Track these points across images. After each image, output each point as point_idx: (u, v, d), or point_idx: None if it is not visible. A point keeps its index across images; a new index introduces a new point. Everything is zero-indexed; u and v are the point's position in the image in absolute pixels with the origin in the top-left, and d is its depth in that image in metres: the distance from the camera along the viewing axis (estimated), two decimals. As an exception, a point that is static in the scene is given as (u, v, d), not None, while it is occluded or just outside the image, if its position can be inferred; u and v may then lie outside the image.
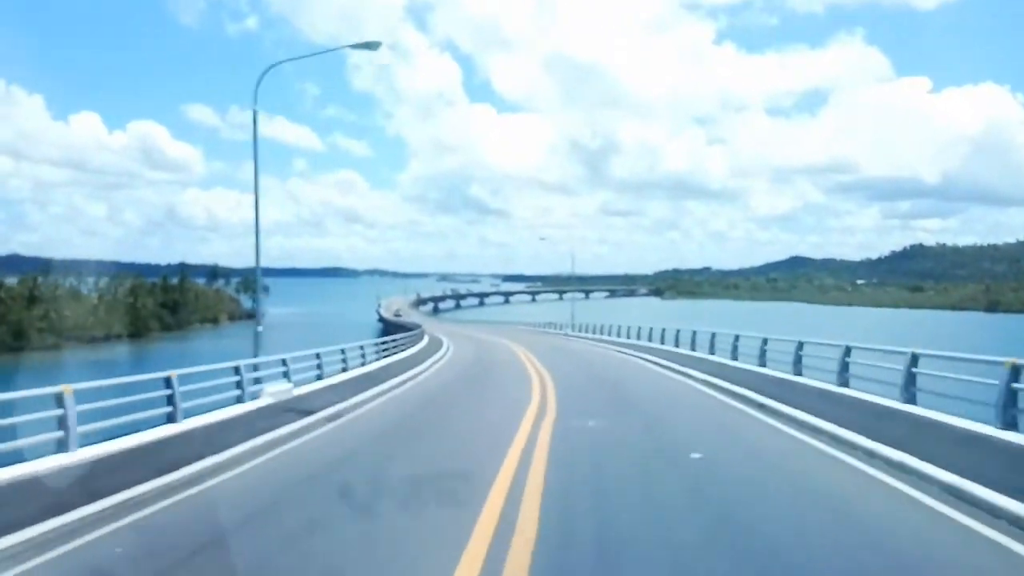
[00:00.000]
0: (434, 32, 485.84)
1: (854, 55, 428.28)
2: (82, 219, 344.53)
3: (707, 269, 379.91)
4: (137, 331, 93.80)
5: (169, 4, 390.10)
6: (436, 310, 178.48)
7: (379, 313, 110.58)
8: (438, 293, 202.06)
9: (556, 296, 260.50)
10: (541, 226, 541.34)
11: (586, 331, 56.59)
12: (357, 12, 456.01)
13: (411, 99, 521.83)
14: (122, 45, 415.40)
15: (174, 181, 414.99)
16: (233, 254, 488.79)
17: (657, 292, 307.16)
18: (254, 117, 19.13)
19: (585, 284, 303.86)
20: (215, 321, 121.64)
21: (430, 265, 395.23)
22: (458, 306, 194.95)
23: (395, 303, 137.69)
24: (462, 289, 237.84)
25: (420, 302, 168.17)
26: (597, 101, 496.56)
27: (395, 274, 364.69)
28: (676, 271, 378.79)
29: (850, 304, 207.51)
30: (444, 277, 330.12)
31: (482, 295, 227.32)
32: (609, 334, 48.78)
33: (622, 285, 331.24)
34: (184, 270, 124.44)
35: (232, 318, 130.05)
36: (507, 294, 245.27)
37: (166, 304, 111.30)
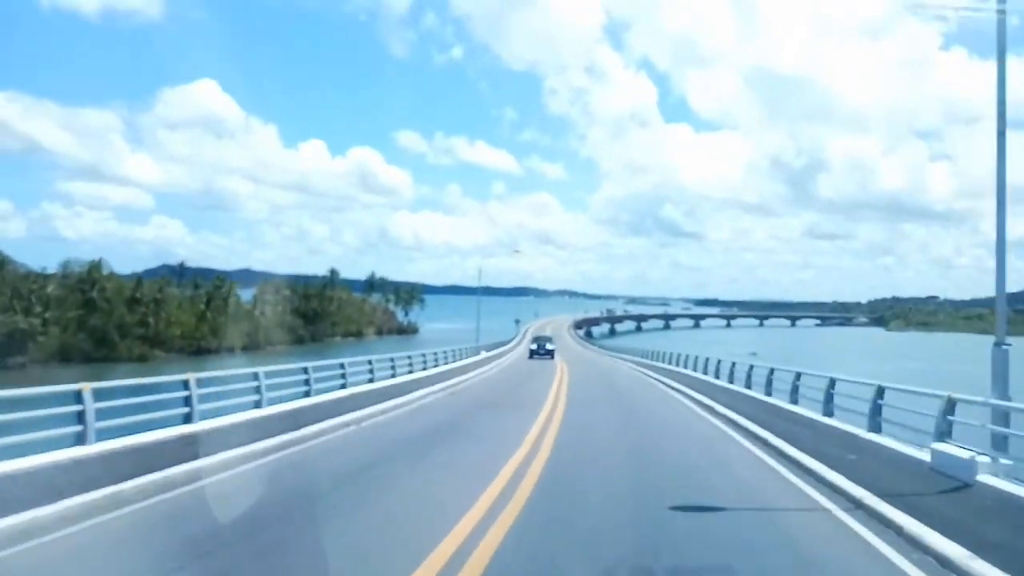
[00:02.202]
0: (630, 51, 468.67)
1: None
2: (308, 238, 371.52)
3: (933, 298, 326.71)
4: (255, 343, 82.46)
5: (383, 37, 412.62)
6: (613, 332, 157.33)
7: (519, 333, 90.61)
8: (619, 313, 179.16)
9: (756, 322, 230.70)
10: (738, 249, 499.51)
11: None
12: (555, 36, 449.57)
13: (605, 120, 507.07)
14: (343, 76, 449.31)
15: (386, 204, 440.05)
16: (437, 273, 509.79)
17: (879, 321, 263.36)
18: None
19: (790, 311, 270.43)
20: (359, 334, 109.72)
21: (620, 287, 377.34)
22: (639, 328, 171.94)
23: (552, 323, 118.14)
24: (648, 312, 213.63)
25: (590, 322, 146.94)
26: (802, 115, 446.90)
27: (584, 295, 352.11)
28: (896, 299, 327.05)
29: None
30: (633, 300, 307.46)
31: (668, 317, 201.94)
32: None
33: (833, 313, 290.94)
34: (333, 279, 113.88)
35: (381, 332, 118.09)
36: (697, 317, 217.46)
37: (306, 314, 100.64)
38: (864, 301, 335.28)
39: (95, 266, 71.00)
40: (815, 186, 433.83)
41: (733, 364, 23.58)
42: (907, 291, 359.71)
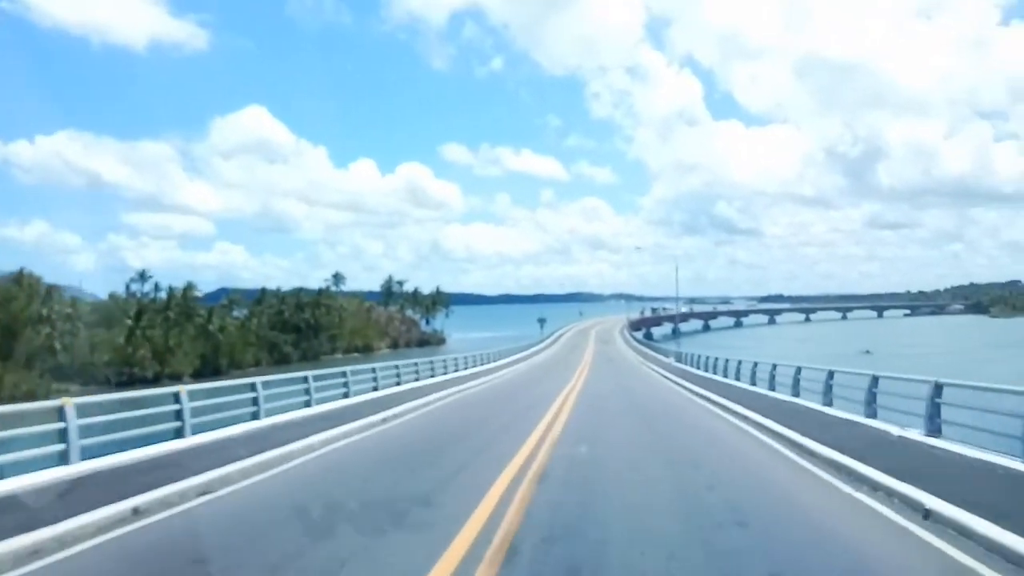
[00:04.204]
0: (672, 48, 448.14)
1: None
2: (364, 256, 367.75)
3: (1015, 283, 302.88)
4: (215, 366, 64.42)
5: (424, 52, 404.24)
6: (676, 332, 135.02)
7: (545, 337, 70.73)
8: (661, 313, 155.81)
9: (838, 315, 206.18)
10: (797, 244, 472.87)
11: None
12: (594, 38, 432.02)
13: (651, 121, 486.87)
14: (387, 93, 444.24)
15: (437, 218, 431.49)
16: (491, 284, 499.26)
17: (975, 308, 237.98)
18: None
19: (863, 302, 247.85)
20: (367, 349, 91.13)
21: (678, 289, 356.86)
22: (707, 328, 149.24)
23: (601, 324, 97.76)
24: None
25: (649, 322, 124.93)
26: (857, 103, 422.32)
27: (640, 298, 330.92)
28: (973, 286, 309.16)
29: None
30: (692, 300, 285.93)
31: (739, 314, 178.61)
32: None
33: (914, 302, 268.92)
34: (338, 285, 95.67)
35: (397, 345, 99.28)
36: (772, 312, 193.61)
37: (298, 327, 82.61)
38: (941, 289, 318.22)
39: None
40: (875, 175, 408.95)
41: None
42: (980, 278, 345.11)
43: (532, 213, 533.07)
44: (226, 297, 76.62)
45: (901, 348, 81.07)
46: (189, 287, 72.87)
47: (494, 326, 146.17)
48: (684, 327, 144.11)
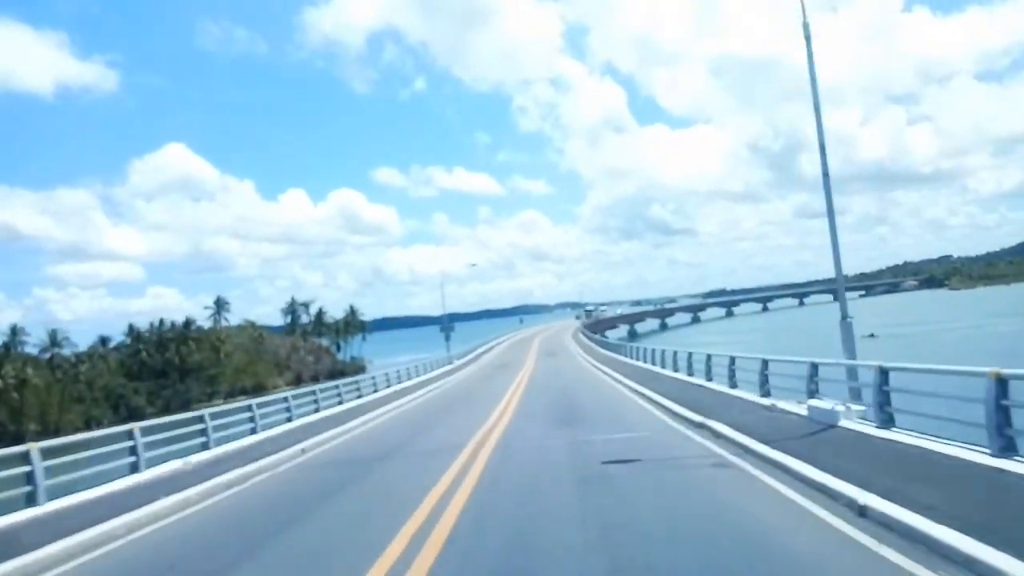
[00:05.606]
0: (593, 57, 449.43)
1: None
2: (303, 288, 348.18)
3: (947, 257, 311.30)
4: (15, 434, 46.74)
5: (345, 77, 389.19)
6: (633, 334, 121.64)
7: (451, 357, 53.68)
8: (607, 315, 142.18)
9: (795, 302, 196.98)
10: (731, 240, 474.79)
11: None
12: (516, 52, 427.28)
13: (579, 131, 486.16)
14: (311, 121, 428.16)
15: (377, 243, 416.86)
16: (435, 305, 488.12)
17: (930, 283, 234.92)
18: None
19: (802, 289, 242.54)
20: (259, 388, 73.78)
21: (622, 293, 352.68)
22: (664, 326, 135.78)
23: (545, 331, 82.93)
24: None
25: (606, 324, 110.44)
26: (775, 98, 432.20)
27: (585, 305, 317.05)
28: (908, 264, 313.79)
29: None
30: (637, 303, 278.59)
31: (696, 309, 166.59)
32: None
33: (863, 283, 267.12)
34: (219, 314, 77.88)
35: (301, 379, 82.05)
36: (729, 304, 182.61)
37: (164, 371, 64.97)
38: (874, 270, 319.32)
39: None
40: (798, 166, 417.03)
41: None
42: (910, 256, 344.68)
43: (472, 231, 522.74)
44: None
45: (900, 328, 68.33)
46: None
47: (428, 347, 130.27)
48: (641, 327, 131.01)
